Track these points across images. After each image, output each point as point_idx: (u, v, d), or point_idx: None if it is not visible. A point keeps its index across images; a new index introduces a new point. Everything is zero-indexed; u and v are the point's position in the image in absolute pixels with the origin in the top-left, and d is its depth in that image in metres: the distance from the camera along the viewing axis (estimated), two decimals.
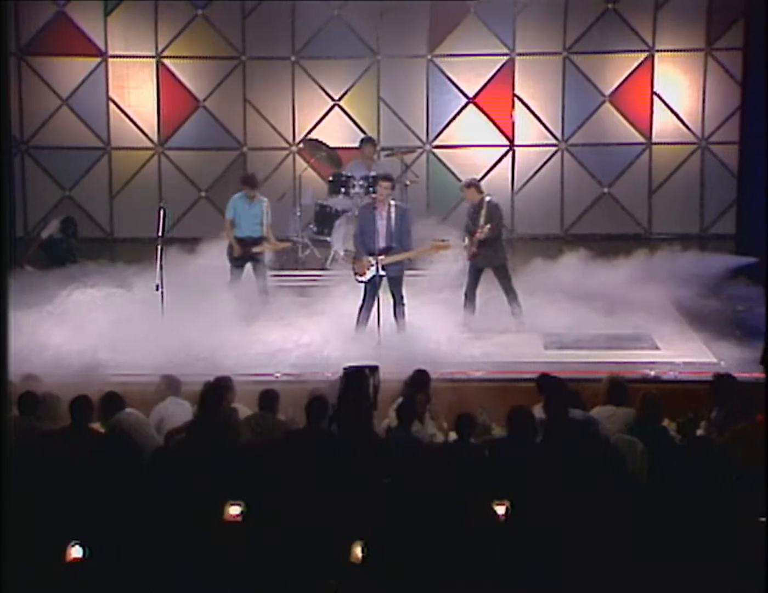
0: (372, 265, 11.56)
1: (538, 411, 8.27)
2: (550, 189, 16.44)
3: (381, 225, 11.57)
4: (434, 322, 11.72)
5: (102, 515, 6.70)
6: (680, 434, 8.45)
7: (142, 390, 9.61)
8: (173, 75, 16.51)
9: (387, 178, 11.73)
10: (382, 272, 11.55)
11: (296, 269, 14.34)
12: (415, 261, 12.80)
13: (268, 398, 8.91)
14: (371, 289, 11.62)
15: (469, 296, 12.17)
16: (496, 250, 12.14)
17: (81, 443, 7.78)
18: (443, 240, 11.80)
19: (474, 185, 12.33)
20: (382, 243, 11.56)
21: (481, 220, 12.04)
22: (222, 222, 13.02)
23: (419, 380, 9.24)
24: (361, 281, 11.69)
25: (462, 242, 12.21)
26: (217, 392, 8.73)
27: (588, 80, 16.36)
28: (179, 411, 9.12)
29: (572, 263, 13.51)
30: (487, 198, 12.18)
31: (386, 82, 16.47)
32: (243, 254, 12.50)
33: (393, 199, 11.87)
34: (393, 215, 11.58)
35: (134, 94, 16.53)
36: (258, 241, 12.61)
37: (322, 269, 14.15)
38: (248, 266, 12.57)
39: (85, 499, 6.82)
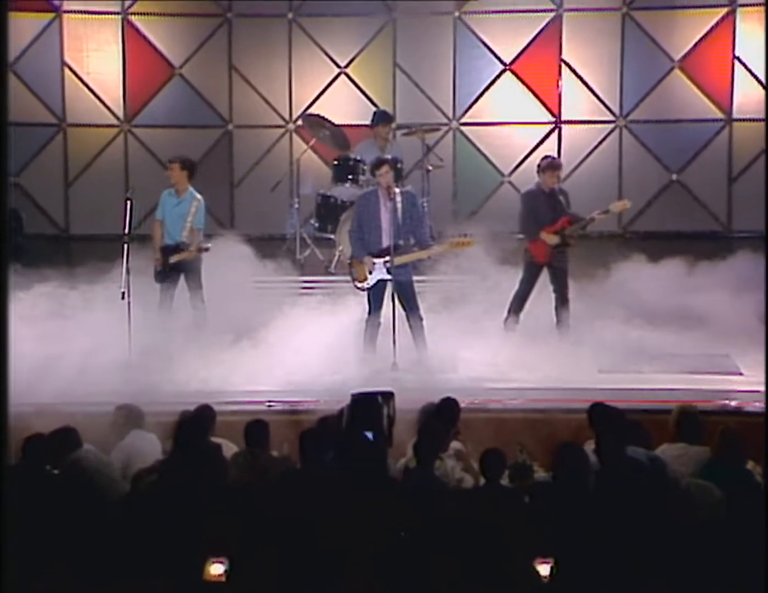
0: (375, 267, 11.56)
1: (590, 449, 8.28)
2: (605, 176, 16.47)
3: (386, 218, 11.57)
4: (462, 338, 11.74)
5: (59, 574, 6.72)
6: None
7: (98, 422, 9.59)
8: (143, 36, 16.60)
9: (382, 162, 11.74)
10: (388, 276, 11.51)
11: (294, 273, 14.36)
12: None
13: (257, 431, 8.93)
14: (376, 298, 11.62)
15: (517, 306, 12.20)
16: (565, 249, 12.24)
17: (33, 489, 7.79)
18: (464, 235, 11.82)
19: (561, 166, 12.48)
20: (387, 240, 11.56)
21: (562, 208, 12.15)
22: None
23: (445, 409, 9.25)
24: (362, 289, 11.70)
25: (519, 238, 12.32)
26: (196, 424, 8.76)
27: (653, 42, 16.40)
28: (146, 447, 9.15)
29: (633, 267, 13.52)
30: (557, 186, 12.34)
31: (404, 45, 16.54)
32: (164, 264, 12.20)
33: (398, 186, 11.90)
34: (400, 203, 11.58)
35: (95, 58, 16.64)
36: (179, 248, 12.26)
37: (326, 273, 14.20)
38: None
39: (37, 556, 6.85)
